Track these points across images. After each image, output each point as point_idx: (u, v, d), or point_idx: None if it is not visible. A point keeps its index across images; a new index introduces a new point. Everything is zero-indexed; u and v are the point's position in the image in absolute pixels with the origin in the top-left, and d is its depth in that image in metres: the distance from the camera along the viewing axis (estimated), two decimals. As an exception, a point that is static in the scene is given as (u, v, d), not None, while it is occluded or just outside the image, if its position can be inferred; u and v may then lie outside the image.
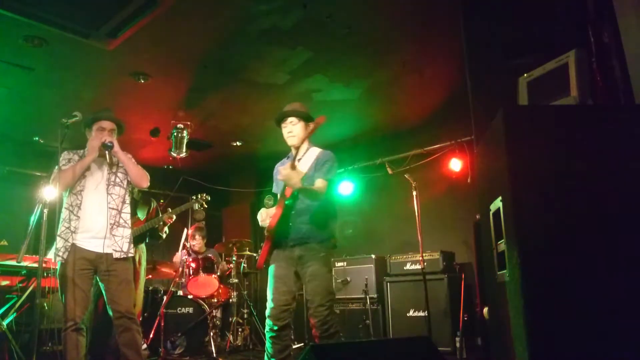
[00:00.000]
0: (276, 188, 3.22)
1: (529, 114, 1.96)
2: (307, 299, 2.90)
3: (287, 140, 3.12)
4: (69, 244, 2.99)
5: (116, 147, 3.12)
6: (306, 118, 3.10)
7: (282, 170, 2.78)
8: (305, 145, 3.14)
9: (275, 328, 2.86)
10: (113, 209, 3.13)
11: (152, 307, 5.24)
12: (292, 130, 3.07)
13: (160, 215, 4.60)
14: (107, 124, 3.20)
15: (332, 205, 3.10)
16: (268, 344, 2.90)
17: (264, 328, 3.01)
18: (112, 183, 3.18)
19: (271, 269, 3.01)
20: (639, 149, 1.76)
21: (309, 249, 2.93)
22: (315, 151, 3.12)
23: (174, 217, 4.63)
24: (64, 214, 3.08)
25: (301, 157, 3.10)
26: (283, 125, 3.12)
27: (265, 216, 3.01)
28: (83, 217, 3.06)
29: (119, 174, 3.23)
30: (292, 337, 2.95)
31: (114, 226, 3.10)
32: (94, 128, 3.19)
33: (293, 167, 2.79)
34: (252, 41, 3.98)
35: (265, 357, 2.93)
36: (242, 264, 5.89)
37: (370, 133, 6.09)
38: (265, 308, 2.97)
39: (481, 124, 2.60)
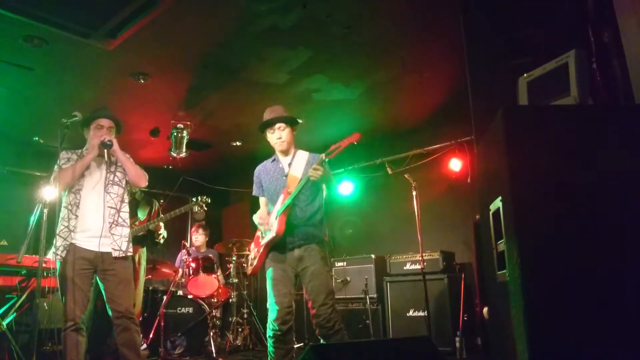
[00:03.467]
0: (257, 191, 3.25)
1: (529, 114, 1.96)
2: (310, 299, 2.89)
3: (276, 146, 3.16)
4: (68, 243, 2.98)
5: (115, 146, 3.12)
6: (292, 122, 3.16)
7: (316, 169, 2.78)
8: (292, 149, 3.19)
9: (283, 330, 2.84)
10: (111, 207, 3.13)
11: (152, 307, 5.23)
12: (282, 136, 3.11)
13: (161, 216, 4.60)
14: (105, 122, 3.20)
15: (325, 206, 3.14)
16: (271, 349, 2.88)
17: (264, 328, 3.01)
18: (111, 182, 3.18)
19: (269, 273, 3.00)
20: (639, 149, 1.76)
21: (308, 249, 2.94)
22: (304, 154, 3.15)
23: (162, 224, 4.62)
24: (63, 212, 3.08)
25: (291, 161, 3.13)
26: (269, 131, 3.14)
27: (266, 222, 3.03)
28: (81, 216, 3.06)
29: (118, 173, 3.23)
30: (294, 339, 2.93)
31: (113, 225, 3.10)
32: (92, 126, 3.19)
33: (320, 164, 2.83)
34: (252, 41, 3.97)
35: None
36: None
37: (370, 133, 6.07)
38: (266, 308, 2.97)
39: (481, 124, 2.60)
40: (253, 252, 3.16)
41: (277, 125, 3.10)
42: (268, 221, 3.02)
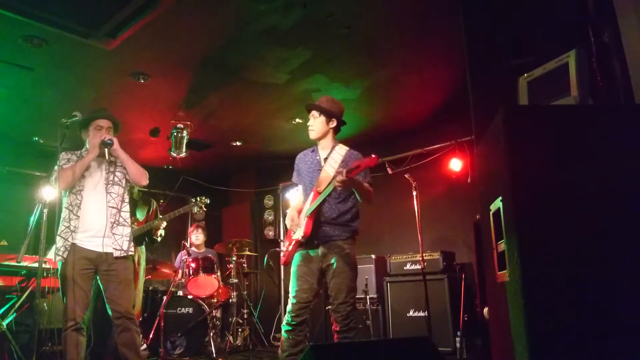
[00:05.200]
0: (296, 178, 3.24)
1: (529, 114, 1.96)
2: (330, 295, 2.94)
3: (309, 133, 3.15)
4: (69, 244, 2.99)
5: (116, 145, 3.13)
6: (329, 114, 3.09)
7: (343, 181, 2.70)
8: (331, 142, 3.14)
9: (293, 323, 2.91)
10: (112, 207, 3.13)
11: (151, 307, 5.23)
12: (313, 124, 3.11)
13: (160, 216, 4.61)
14: (104, 122, 3.21)
15: (357, 207, 3.12)
16: (284, 338, 2.96)
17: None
18: (111, 182, 3.19)
19: (294, 266, 3.04)
20: (639, 149, 1.76)
21: (332, 246, 2.96)
22: (342, 150, 3.09)
23: (164, 223, 4.63)
24: (64, 213, 3.08)
25: (327, 156, 3.10)
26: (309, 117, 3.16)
27: (295, 223, 3.05)
28: (83, 217, 3.06)
29: (118, 173, 3.24)
30: (308, 334, 2.98)
31: (114, 225, 3.11)
32: (91, 127, 3.20)
33: (348, 174, 2.73)
34: (252, 41, 3.97)
35: (280, 350, 2.97)
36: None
37: (370, 133, 6.08)
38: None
39: (481, 124, 2.60)
40: (286, 244, 3.19)
41: (312, 112, 3.11)
42: (299, 220, 3.05)
